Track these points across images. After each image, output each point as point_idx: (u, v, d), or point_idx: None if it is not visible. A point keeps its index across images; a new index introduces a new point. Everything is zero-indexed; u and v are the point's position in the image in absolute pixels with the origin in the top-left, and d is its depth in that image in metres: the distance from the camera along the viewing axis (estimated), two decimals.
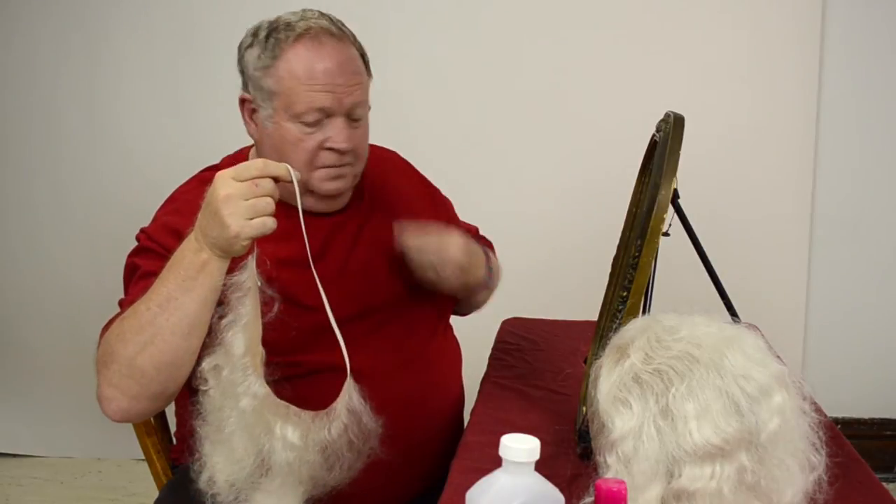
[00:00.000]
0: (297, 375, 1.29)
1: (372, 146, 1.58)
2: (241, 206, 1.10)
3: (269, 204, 1.12)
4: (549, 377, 1.61)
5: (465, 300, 1.61)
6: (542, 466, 0.82)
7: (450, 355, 1.60)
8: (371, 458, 1.24)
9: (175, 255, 1.19)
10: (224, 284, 1.16)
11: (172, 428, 1.58)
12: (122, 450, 2.73)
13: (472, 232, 1.76)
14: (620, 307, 1.20)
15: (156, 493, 1.52)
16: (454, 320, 1.65)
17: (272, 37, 1.34)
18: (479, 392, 1.57)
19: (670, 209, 1.20)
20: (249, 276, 1.15)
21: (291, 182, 1.16)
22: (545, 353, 1.77)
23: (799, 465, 0.98)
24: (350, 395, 1.22)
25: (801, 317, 2.74)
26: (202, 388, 1.17)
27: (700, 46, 2.61)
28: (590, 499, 0.89)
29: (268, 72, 1.34)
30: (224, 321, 1.16)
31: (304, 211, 1.21)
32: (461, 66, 2.63)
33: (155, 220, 1.41)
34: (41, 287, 2.82)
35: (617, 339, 1.06)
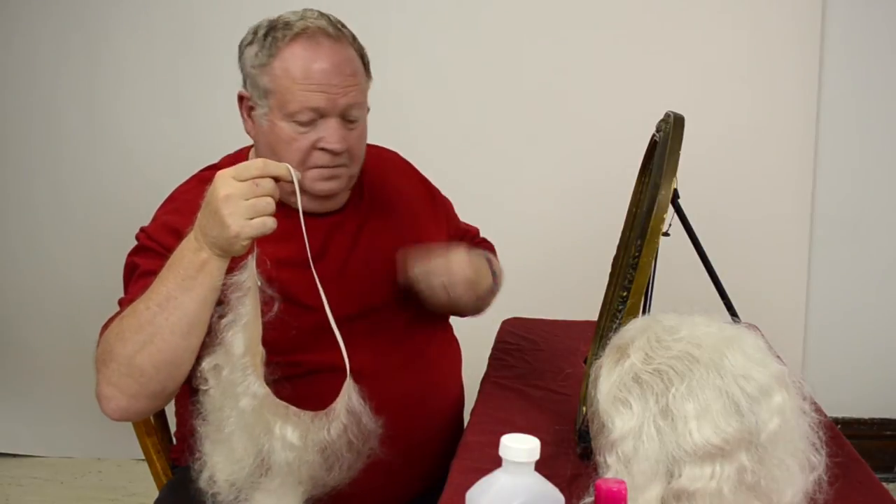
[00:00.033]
0: (297, 375, 1.29)
1: (372, 146, 1.58)
2: (242, 206, 1.10)
3: (269, 204, 1.12)
4: (549, 377, 1.62)
5: (473, 307, 1.61)
6: (542, 466, 0.82)
7: (450, 355, 1.60)
8: (371, 459, 1.24)
9: (174, 254, 1.19)
10: (224, 284, 1.16)
11: (172, 428, 1.58)
12: (122, 450, 2.73)
13: (472, 233, 1.76)
14: (620, 307, 1.19)
15: (156, 493, 1.52)
16: (454, 320, 1.65)
17: (270, 35, 1.34)
18: (479, 392, 1.57)
19: (670, 209, 1.20)
20: (249, 275, 1.15)
21: (292, 182, 1.16)
22: (545, 353, 1.77)
23: (799, 465, 0.98)
24: (350, 395, 1.22)
25: (801, 317, 2.74)
26: (202, 387, 1.17)
27: (700, 46, 2.61)
28: (590, 499, 0.89)
29: (264, 70, 1.34)
30: (224, 321, 1.16)
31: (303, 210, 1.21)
32: (461, 66, 2.63)
33: (154, 219, 1.41)
34: (41, 287, 2.82)
35: (617, 339, 1.06)
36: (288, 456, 1.17)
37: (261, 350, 1.19)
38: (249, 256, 1.16)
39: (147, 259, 1.31)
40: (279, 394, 1.20)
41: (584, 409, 1.24)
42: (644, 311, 1.25)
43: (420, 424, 1.46)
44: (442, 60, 2.64)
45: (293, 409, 1.20)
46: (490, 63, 2.63)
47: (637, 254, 1.18)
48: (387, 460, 1.25)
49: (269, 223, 1.12)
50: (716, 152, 2.55)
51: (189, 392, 1.30)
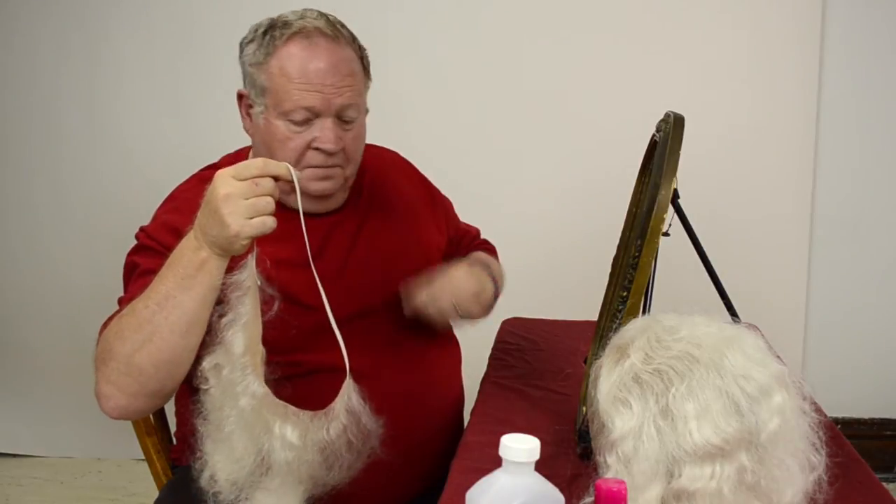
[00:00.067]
0: (297, 375, 1.29)
1: (373, 146, 1.58)
2: (241, 205, 1.10)
3: (269, 203, 1.12)
4: (549, 377, 1.61)
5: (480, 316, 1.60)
6: (542, 466, 0.82)
7: (450, 355, 1.60)
8: (371, 459, 1.24)
9: (174, 253, 1.19)
10: (224, 283, 1.16)
11: (172, 428, 1.58)
12: (122, 450, 2.73)
13: (472, 234, 1.76)
14: (620, 307, 1.19)
15: (156, 493, 1.52)
16: None
17: (268, 34, 1.34)
18: (479, 392, 1.56)
19: (670, 209, 1.20)
20: (249, 275, 1.15)
21: (292, 181, 1.16)
22: (545, 353, 1.77)
23: (799, 465, 0.98)
24: (349, 395, 1.22)
25: (801, 317, 2.74)
26: (203, 386, 1.17)
27: (700, 46, 2.61)
28: (590, 499, 0.89)
29: (260, 68, 1.34)
30: (224, 320, 1.16)
31: (297, 210, 1.21)
32: (461, 66, 2.63)
33: (154, 218, 1.41)
34: (41, 287, 2.82)
35: (617, 339, 1.06)
36: (287, 455, 1.17)
37: (261, 349, 1.19)
38: (249, 256, 1.16)
39: (147, 258, 1.31)
40: (280, 393, 1.20)
41: (584, 409, 1.24)
42: (644, 311, 1.25)
43: (420, 424, 1.46)
44: (442, 60, 2.64)
45: (292, 408, 1.20)
46: (490, 63, 2.62)
47: (637, 254, 1.18)
48: (387, 460, 1.25)
49: (269, 222, 1.12)
50: (716, 152, 2.55)
51: (189, 392, 1.30)
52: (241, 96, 1.41)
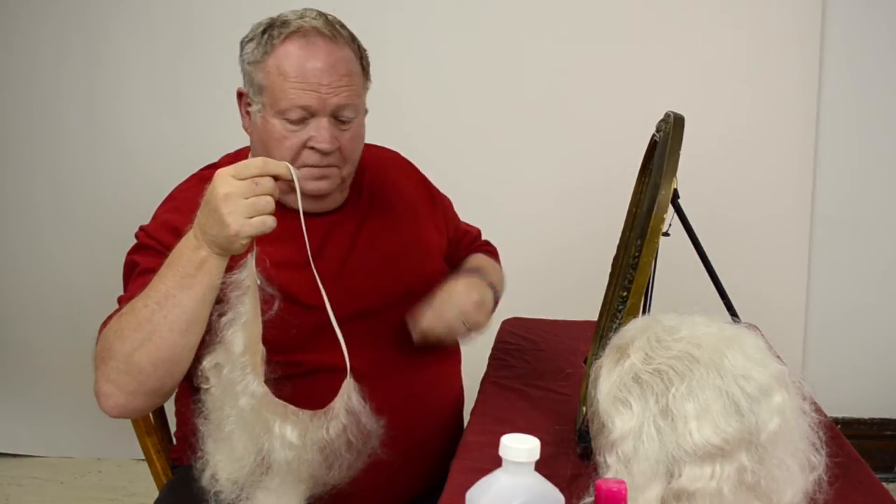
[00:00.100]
0: (297, 374, 1.29)
1: (373, 146, 1.58)
2: (241, 205, 1.10)
3: (268, 203, 1.12)
4: (549, 377, 1.61)
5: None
6: (542, 466, 0.82)
7: (449, 355, 1.60)
8: (371, 459, 1.24)
9: (173, 252, 1.19)
10: (223, 283, 1.16)
11: (172, 428, 1.58)
12: (122, 450, 2.73)
13: (472, 235, 1.75)
14: (620, 307, 1.19)
15: (156, 493, 1.52)
16: None
17: (267, 33, 1.35)
18: (479, 392, 1.56)
19: (670, 209, 1.20)
20: (249, 274, 1.15)
21: (292, 181, 1.16)
22: (545, 353, 1.77)
23: (799, 465, 0.98)
24: (349, 395, 1.22)
25: (801, 317, 2.74)
26: (204, 386, 1.17)
27: (700, 46, 2.61)
28: (590, 499, 0.89)
29: (258, 66, 1.34)
30: (224, 319, 1.16)
31: (296, 210, 1.21)
32: (461, 67, 2.63)
33: (154, 217, 1.41)
34: (41, 287, 2.82)
35: (617, 339, 1.06)
36: (287, 455, 1.17)
37: (261, 349, 1.19)
38: (249, 255, 1.16)
39: (146, 257, 1.31)
40: (280, 393, 1.20)
41: (584, 409, 1.24)
42: (644, 311, 1.25)
43: (420, 424, 1.46)
44: (442, 60, 2.64)
45: (291, 407, 1.20)
46: (490, 63, 2.62)
47: (637, 254, 1.18)
48: (387, 460, 1.26)
49: (269, 222, 1.12)
50: (716, 152, 2.55)
51: (190, 391, 1.30)
52: (240, 95, 1.41)
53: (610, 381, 1.01)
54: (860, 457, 1.28)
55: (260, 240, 1.15)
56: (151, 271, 1.21)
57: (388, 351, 1.44)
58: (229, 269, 1.17)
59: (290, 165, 1.16)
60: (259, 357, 1.18)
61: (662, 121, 1.28)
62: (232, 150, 1.53)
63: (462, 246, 1.71)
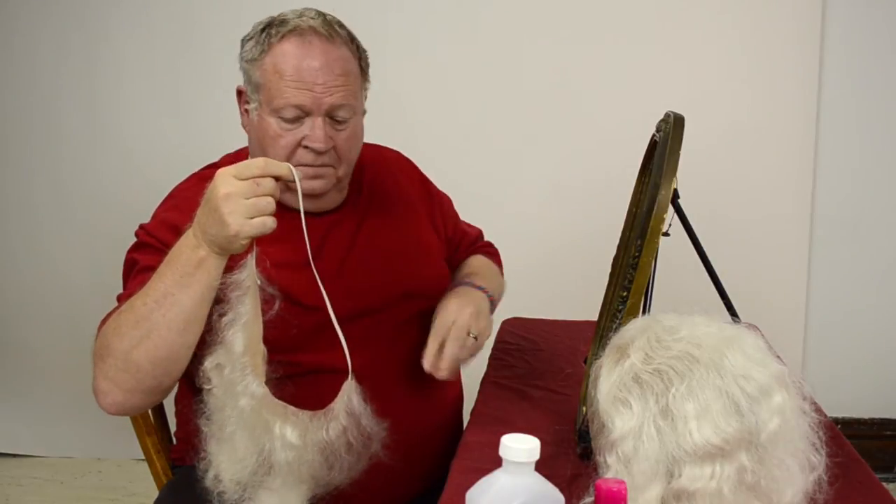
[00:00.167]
0: (298, 374, 1.30)
1: (374, 145, 1.58)
2: (242, 205, 1.10)
3: (269, 203, 1.12)
4: (549, 377, 1.61)
5: None
6: (542, 466, 0.82)
7: None
8: (373, 460, 1.24)
9: (173, 250, 1.19)
10: (224, 283, 1.16)
11: (172, 428, 1.58)
12: (122, 450, 2.73)
13: (471, 236, 1.75)
14: (620, 307, 1.19)
15: (156, 493, 1.52)
16: None
17: (266, 31, 1.35)
18: (479, 392, 1.56)
19: (670, 209, 1.20)
20: (249, 274, 1.15)
21: (293, 181, 1.16)
22: (545, 353, 1.76)
23: (799, 465, 0.98)
24: (349, 396, 1.22)
25: (801, 317, 2.74)
26: (206, 386, 1.18)
27: (700, 46, 2.61)
28: (590, 499, 0.89)
29: (255, 64, 1.34)
30: (224, 319, 1.16)
31: (294, 210, 1.21)
32: (461, 66, 2.63)
33: (154, 216, 1.42)
34: (41, 287, 2.83)
35: (617, 339, 1.06)
36: (288, 455, 1.17)
37: (262, 349, 1.19)
38: (249, 255, 1.16)
39: (146, 255, 1.32)
40: (282, 393, 1.20)
41: (584, 409, 1.24)
42: (644, 311, 1.25)
43: (420, 424, 1.46)
44: (442, 60, 2.64)
45: (291, 408, 1.20)
46: (490, 63, 2.63)
47: (637, 254, 1.18)
48: (387, 460, 1.26)
49: (269, 223, 1.12)
50: (716, 152, 2.55)
51: (190, 392, 1.30)
52: (240, 93, 1.41)
53: (610, 381, 1.01)
54: (860, 457, 1.28)
55: (259, 240, 1.15)
56: (151, 269, 1.22)
57: (387, 351, 1.44)
58: (229, 269, 1.17)
59: (291, 166, 1.16)
60: (260, 357, 1.18)
61: (662, 121, 1.28)
62: (232, 149, 1.53)
63: (462, 247, 1.71)
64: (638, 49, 2.60)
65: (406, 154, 1.68)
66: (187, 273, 1.15)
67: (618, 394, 0.99)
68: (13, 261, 2.83)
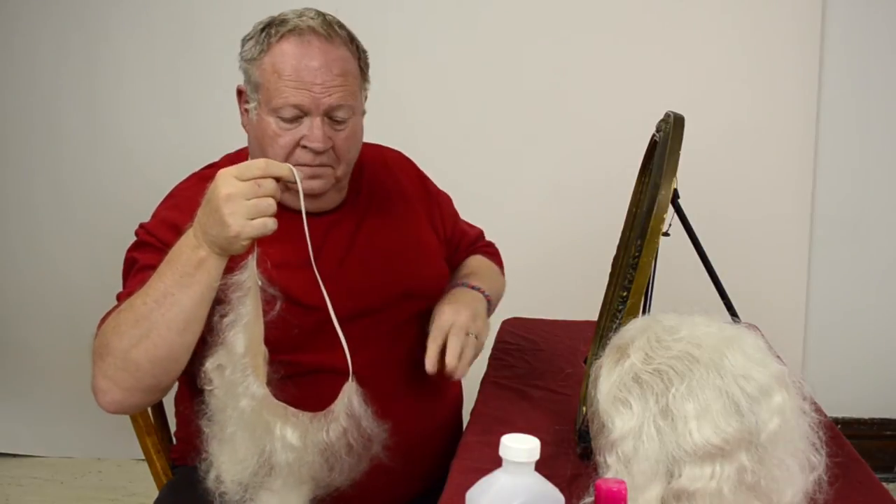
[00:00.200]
0: (298, 374, 1.30)
1: (375, 145, 1.58)
2: (243, 206, 1.10)
3: (270, 205, 1.12)
4: (549, 377, 1.61)
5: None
6: (542, 466, 0.82)
7: None
8: (373, 462, 1.24)
9: (173, 250, 1.19)
10: (225, 284, 1.16)
11: (172, 428, 1.58)
12: (122, 450, 2.73)
13: (470, 236, 1.75)
14: (620, 307, 1.19)
15: (156, 493, 1.52)
16: None
17: (265, 31, 1.35)
18: (479, 392, 1.56)
19: (670, 209, 1.20)
20: (250, 275, 1.16)
21: (295, 183, 1.16)
22: (545, 353, 1.76)
23: (799, 465, 0.98)
24: (350, 398, 1.22)
25: (801, 317, 2.74)
26: (207, 387, 1.18)
27: (700, 46, 2.61)
28: (590, 499, 0.89)
29: (254, 64, 1.35)
30: (226, 320, 1.16)
31: (293, 210, 1.20)
32: (461, 66, 2.63)
33: (154, 215, 1.42)
34: (41, 287, 2.82)
35: (617, 339, 1.06)
36: (288, 456, 1.17)
37: (263, 349, 1.19)
38: (250, 256, 1.16)
39: (146, 254, 1.32)
40: (283, 393, 1.20)
41: (584, 409, 1.24)
42: (644, 311, 1.25)
43: (419, 424, 1.46)
44: (442, 60, 2.64)
45: (291, 409, 1.20)
46: (490, 63, 2.63)
47: (637, 254, 1.18)
48: (387, 460, 1.25)
49: (270, 224, 1.12)
50: (716, 152, 2.55)
51: (191, 392, 1.30)
52: (240, 92, 1.41)
53: (610, 381, 1.01)
54: (860, 457, 1.28)
55: (259, 240, 1.15)
56: (151, 268, 1.22)
57: (386, 350, 1.44)
58: (230, 269, 1.17)
59: (293, 167, 1.16)
60: (261, 358, 1.18)
61: (662, 121, 1.28)
62: (232, 149, 1.53)
63: (461, 247, 1.71)
64: (638, 49, 2.60)
65: (406, 154, 1.68)
66: (187, 273, 1.15)
67: (618, 394, 0.99)
68: (13, 261, 2.83)
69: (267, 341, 1.19)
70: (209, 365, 1.16)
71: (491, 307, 1.56)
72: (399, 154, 1.66)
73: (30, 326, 2.85)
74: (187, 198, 1.33)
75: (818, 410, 1.04)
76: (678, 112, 1.25)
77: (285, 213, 1.20)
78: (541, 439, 0.82)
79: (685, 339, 1.00)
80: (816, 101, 2.64)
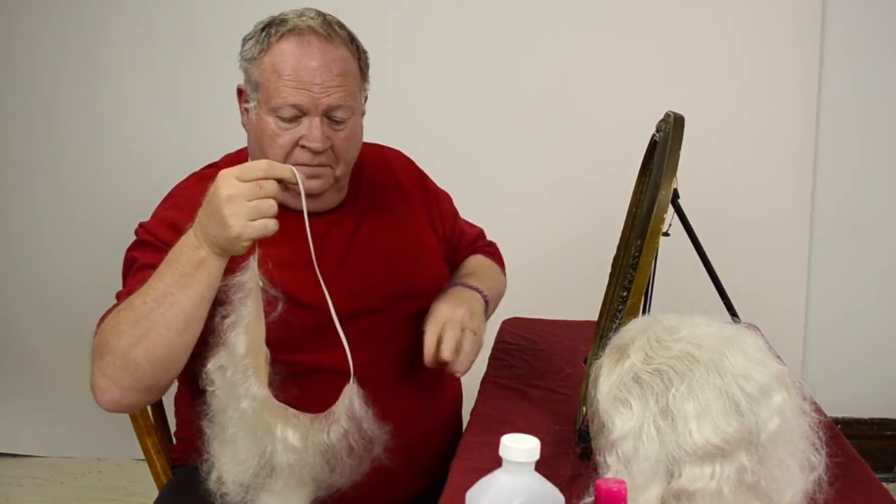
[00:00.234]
0: (299, 374, 1.30)
1: (375, 145, 1.58)
2: (244, 207, 1.10)
3: (271, 206, 1.12)
4: (549, 377, 1.61)
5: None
6: (542, 466, 0.82)
7: None
8: (374, 463, 1.24)
9: (173, 250, 1.19)
10: (226, 285, 1.16)
11: (172, 428, 1.58)
12: (122, 450, 2.73)
13: (469, 236, 1.74)
14: (620, 307, 1.19)
15: (156, 493, 1.52)
16: None
17: (265, 31, 1.35)
18: (479, 392, 1.56)
19: (670, 209, 1.20)
20: (251, 276, 1.16)
21: (296, 184, 1.16)
22: (545, 353, 1.77)
23: (799, 465, 0.98)
24: (351, 400, 1.22)
25: (801, 317, 2.74)
26: (209, 388, 1.18)
27: (700, 46, 2.61)
28: (590, 499, 0.89)
29: (254, 63, 1.35)
30: (227, 321, 1.16)
31: (293, 210, 1.20)
32: (461, 66, 2.63)
33: (154, 214, 1.42)
34: (41, 287, 2.83)
35: (617, 339, 1.06)
36: (289, 458, 1.17)
37: (265, 350, 1.19)
38: (251, 257, 1.16)
39: (146, 253, 1.32)
40: (284, 393, 1.20)
41: (584, 409, 1.24)
42: (644, 311, 1.25)
43: (419, 424, 1.46)
44: (442, 60, 2.64)
45: (292, 410, 1.20)
46: (490, 63, 2.63)
47: (637, 254, 1.18)
48: (386, 460, 1.25)
49: (271, 225, 1.12)
50: (716, 152, 2.55)
51: (192, 393, 1.30)
52: (240, 91, 1.41)
53: (610, 381, 1.01)
54: (860, 457, 1.28)
55: (260, 241, 1.15)
56: (150, 267, 1.22)
57: (386, 350, 1.44)
58: (231, 270, 1.17)
59: (294, 169, 1.16)
60: (262, 359, 1.18)
61: (662, 121, 1.28)
62: (232, 149, 1.53)
63: (461, 247, 1.71)
64: (638, 49, 2.61)
65: (406, 154, 1.68)
66: (187, 273, 1.15)
67: (618, 394, 0.99)
68: (13, 261, 2.83)
69: (268, 341, 1.19)
70: (211, 366, 1.17)
71: (490, 307, 1.56)
72: (399, 153, 1.66)
73: (30, 326, 2.85)
74: (187, 197, 1.33)
75: (818, 410, 1.04)
76: (678, 112, 1.25)
77: (285, 213, 1.20)
78: (541, 439, 0.82)
79: (685, 339, 1.00)
80: (816, 101, 2.64)
